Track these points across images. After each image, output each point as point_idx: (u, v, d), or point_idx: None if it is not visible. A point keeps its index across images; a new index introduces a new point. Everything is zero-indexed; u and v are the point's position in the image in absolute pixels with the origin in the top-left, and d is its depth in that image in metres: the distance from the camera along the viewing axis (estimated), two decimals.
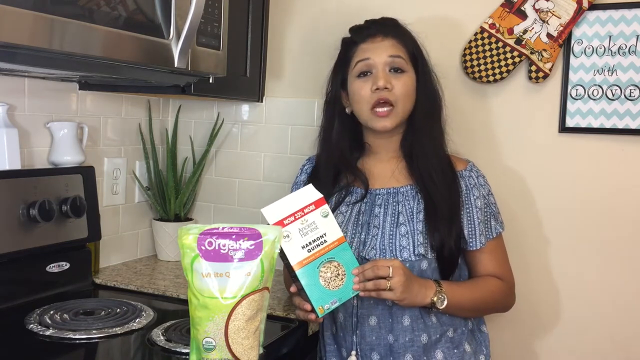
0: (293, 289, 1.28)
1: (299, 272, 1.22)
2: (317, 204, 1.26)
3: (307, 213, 1.24)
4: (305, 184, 1.57)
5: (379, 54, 1.46)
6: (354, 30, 1.54)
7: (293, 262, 1.22)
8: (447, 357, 1.42)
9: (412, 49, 1.49)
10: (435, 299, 1.34)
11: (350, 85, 1.50)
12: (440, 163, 1.47)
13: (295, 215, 1.23)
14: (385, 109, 1.44)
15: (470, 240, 1.45)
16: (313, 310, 1.24)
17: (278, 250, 1.12)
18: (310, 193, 1.27)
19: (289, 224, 1.22)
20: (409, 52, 1.48)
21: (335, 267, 1.25)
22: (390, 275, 1.27)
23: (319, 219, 1.25)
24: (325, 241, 1.25)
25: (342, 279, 1.25)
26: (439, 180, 1.44)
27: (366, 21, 1.55)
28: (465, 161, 1.52)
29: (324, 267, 1.24)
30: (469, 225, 1.45)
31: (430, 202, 1.43)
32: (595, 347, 1.71)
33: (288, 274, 1.28)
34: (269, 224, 1.20)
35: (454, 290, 1.38)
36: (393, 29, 1.49)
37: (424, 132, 1.48)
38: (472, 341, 1.48)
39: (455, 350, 1.44)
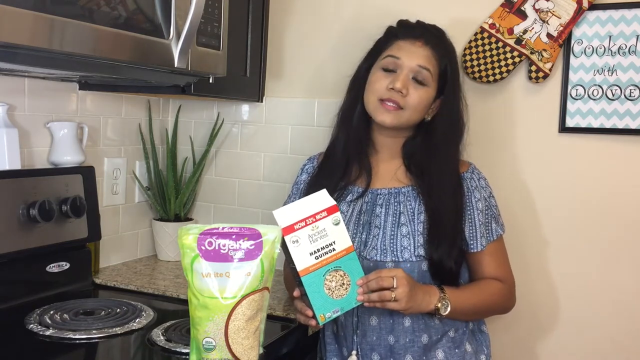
0: (296, 293, 1.28)
1: (304, 278, 1.21)
2: (329, 210, 1.24)
3: (318, 219, 1.23)
4: (308, 182, 1.57)
5: (411, 58, 1.44)
6: (402, 24, 1.53)
7: (299, 267, 1.21)
8: (448, 356, 1.42)
9: (445, 67, 1.47)
10: (439, 305, 1.34)
11: (372, 74, 1.49)
12: (452, 184, 1.46)
13: (307, 220, 1.22)
14: (393, 104, 1.44)
15: (471, 242, 1.45)
16: (314, 317, 1.24)
17: (278, 250, 1.12)
18: (324, 199, 1.25)
19: (299, 229, 1.21)
20: (439, 69, 1.46)
21: (340, 276, 1.24)
22: (395, 286, 1.27)
23: (329, 226, 1.24)
24: (334, 249, 1.24)
25: (346, 289, 1.25)
26: (449, 202, 1.43)
27: (418, 22, 1.53)
28: (467, 163, 1.52)
29: (330, 275, 1.23)
30: (470, 227, 1.45)
31: (435, 220, 1.43)
32: (595, 347, 1.71)
33: (289, 274, 1.27)
34: (279, 226, 1.19)
35: (457, 296, 1.38)
36: (437, 41, 1.47)
37: (442, 155, 1.47)
38: (472, 341, 1.48)
39: (457, 350, 1.44)
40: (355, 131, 1.53)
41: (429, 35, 1.47)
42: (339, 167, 1.52)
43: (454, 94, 1.49)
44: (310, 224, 1.22)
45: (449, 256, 1.40)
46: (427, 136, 1.49)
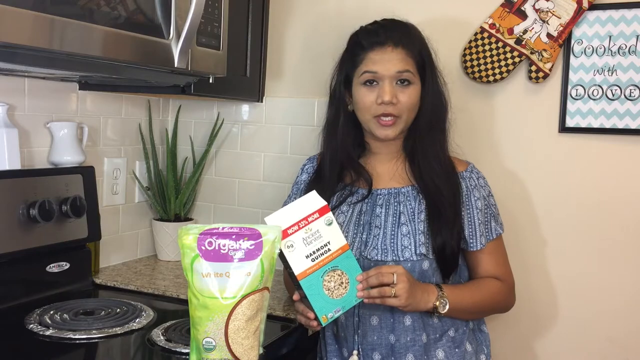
0: (296, 297, 1.28)
1: (302, 281, 1.21)
2: (321, 212, 1.24)
3: (311, 222, 1.22)
4: (308, 182, 1.57)
5: (387, 68, 1.43)
6: (364, 33, 1.50)
7: (297, 271, 1.20)
8: (448, 356, 1.42)
9: (420, 58, 1.46)
10: (437, 303, 1.35)
11: (355, 91, 1.48)
12: (444, 168, 1.46)
13: (299, 224, 1.22)
14: (389, 118, 1.44)
15: (471, 241, 1.45)
16: (316, 319, 1.24)
17: (278, 251, 1.12)
18: (314, 200, 1.25)
19: (292, 233, 1.20)
20: (417, 64, 1.45)
21: (338, 275, 1.24)
22: (395, 282, 1.27)
23: (322, 227, 1.23)
24: (329, 250, 1.23)
25: (345, 287, 1.25)
26: (443, 186, 1.44)
27: (376, 24, 1.51)
28: (465, 162, 1.53)
29: (328, 275, 1.23)
30: (469, 226, 1.45)
31: (434, 207, 1.43)
32: (595, 346, 1.71)
33: (288, 276, 1.27)
34: (279, 227, 1.19)
35: (455, 294, 1.38)
36: (404, 37, 1.45)
37: (428, 139, 1.47)
38: (473, 341, 1.48)
39: (457, 350, 1.44)
40: (342, 145, 1.53)
41: (394, 35, 1.45)
42: (331, 179, 1.52)
43: (432, 78, 1.48)
44: (303, 227, 1.22)
45: (451, 237, 1.41)
46: (416, 124, 1.49)
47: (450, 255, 1.42)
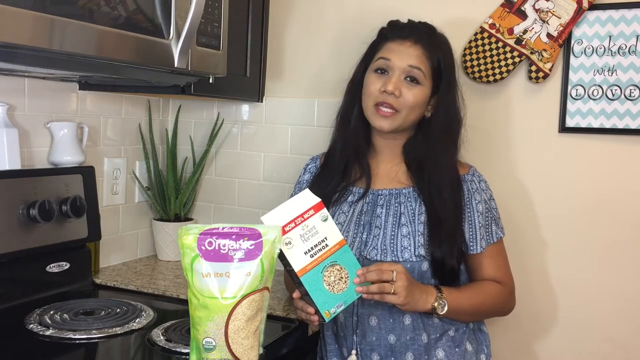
0: (296, 294, 1.28)
1: (303, 278, 1.21)
2: (315, 208, 1.25)
3: (307, 218, 1.23)
4: (311, 181, 1.58)
5: (401, 59, 1.44)
6: (391, 24, 1.53)
7: (297, 268, 1.21)
8: (448, 356, 1.42)
9: (437, 65, 1.47)
10: (436, 304, 1.35)
11: (366, 78, 1.50)
12: (451, 181, 1.46)
13: (296, 221, 1.22)
14: (388, 109, 1.44)
15: (471, 244, 1.45)
16: (317, 314, 1.24)
17: (278, 251, 1.12)
18: (308, 198, 1.26)
19: (289, 230, 1.21)
20: (432, 67, 1.46)
21: (338, 270, 1.25)
22: (394, 280, 1.27)
23: (319, 223, 1.24)
24: (327, 245, 1.24)
25: (345, 282, 1.25)
26: (448, 199, 1.44)
27: (408, 22, 1.53)
28: (467, 166, 1.53)
29: (327, 271, 1.23)
30: (470, 230, 1.45)
31: (436, 217, 1.43)
32: (594, 347, 1.71)
33: (288, 275, 1.27)
34: (279, 226, 1.19)
35: (454, 296, 1.38)
36: (427, 38, 1.47)
37: (439, 150, 1.47)
38: (473, 340, 1.48)
39: (457, 349, 1.44)
40: (353, 134, 1.53)
41: (418, 33, 1.47)
42: (338, 169, 1.53)
43: (448, 90, 1.49)
44: (299, 223, 1.22)
45: (450, 254, 1.41)
46: (426, 133, 1.50)
47: (448, 271, 1.42)
